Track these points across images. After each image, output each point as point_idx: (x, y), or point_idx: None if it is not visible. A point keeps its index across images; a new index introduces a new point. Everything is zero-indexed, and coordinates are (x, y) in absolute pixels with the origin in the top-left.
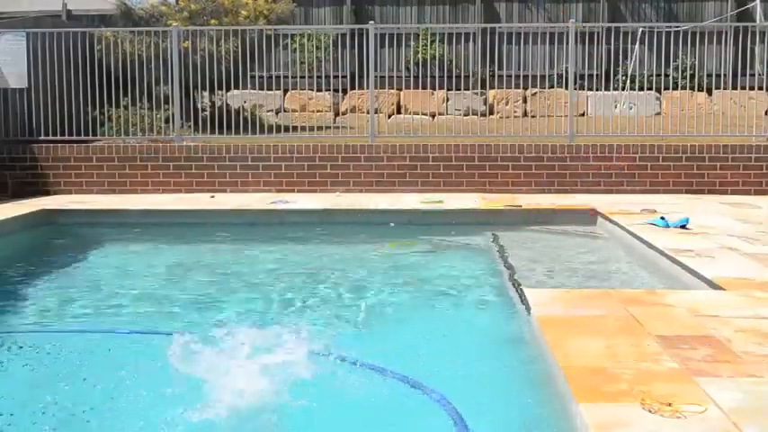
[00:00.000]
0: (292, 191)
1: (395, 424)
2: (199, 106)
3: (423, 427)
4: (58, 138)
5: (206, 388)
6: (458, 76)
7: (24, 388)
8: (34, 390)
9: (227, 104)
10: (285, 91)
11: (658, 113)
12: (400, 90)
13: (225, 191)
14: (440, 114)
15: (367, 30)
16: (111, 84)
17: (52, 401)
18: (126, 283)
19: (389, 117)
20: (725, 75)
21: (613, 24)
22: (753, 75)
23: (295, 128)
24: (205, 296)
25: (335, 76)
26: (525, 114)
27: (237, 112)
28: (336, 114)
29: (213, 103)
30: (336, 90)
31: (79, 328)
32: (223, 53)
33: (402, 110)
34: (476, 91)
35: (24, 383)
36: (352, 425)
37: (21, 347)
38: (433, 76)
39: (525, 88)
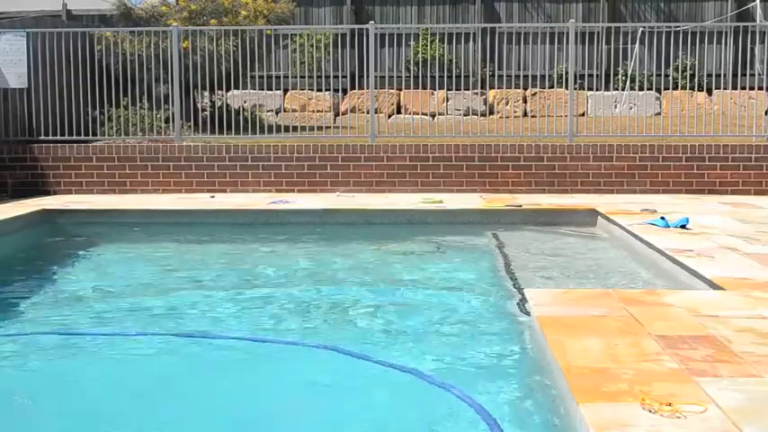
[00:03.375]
0: (292, 191)
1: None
2: (199, 106)
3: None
4: (58, 138)
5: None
6: (458, 76)
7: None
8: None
9: (227, 104)
10: (285, 91)
11: (658, 113)
12: (400, 90)
13: (225, 191)
14: (440, 114)
15: (367, 30)
16: (111, 84)
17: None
18: (124, 282)
19: (389, 117)
20: (725, 75)
21: (613, 24)
22: (753, 75)
23: (295, 128)
24: (201, 295)
25: (335, 76)
26: (525, 114)
27: (237, 112)
28: (336, 114)
29: (213, 103)
30: (336, 90)
31: (76, 329)
32: (223, 53)
33: (402, 110)
34: (476, 91)
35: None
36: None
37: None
38: (433, 76)
39: (525, 88)
